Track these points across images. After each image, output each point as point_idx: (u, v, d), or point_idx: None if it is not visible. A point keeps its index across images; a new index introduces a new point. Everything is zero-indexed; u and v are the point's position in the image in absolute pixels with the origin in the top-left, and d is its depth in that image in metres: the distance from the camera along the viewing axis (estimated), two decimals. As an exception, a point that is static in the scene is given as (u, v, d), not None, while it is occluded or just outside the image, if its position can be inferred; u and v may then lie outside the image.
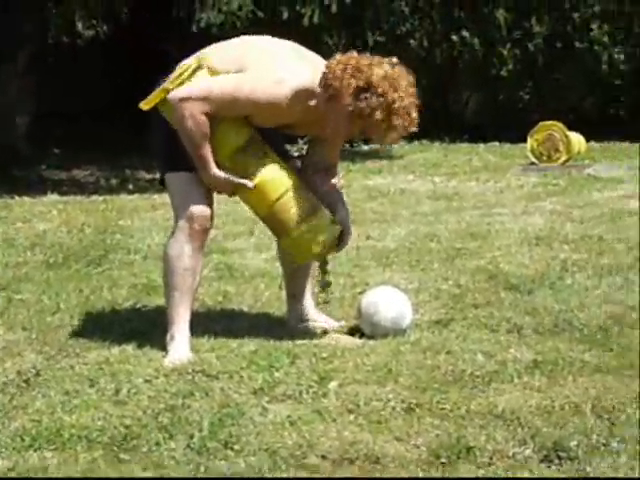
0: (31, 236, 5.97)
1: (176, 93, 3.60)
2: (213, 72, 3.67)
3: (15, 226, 6.35)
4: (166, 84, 3.68)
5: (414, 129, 3.67)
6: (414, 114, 3.62)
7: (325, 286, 3.92)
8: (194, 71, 3.66)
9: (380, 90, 3.56)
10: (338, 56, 3.68)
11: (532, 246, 5.42)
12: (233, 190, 3.73)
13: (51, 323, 4.17)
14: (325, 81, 3.62)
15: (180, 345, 3.71)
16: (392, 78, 3.58)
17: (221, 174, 3.67)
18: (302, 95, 3.64)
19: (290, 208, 3.71)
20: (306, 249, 3.76)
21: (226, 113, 3.63)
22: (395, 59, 3.67)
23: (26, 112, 9.77)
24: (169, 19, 10.36)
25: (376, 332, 3.88)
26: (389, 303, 3.93)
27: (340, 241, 3.83)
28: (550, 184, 7.82)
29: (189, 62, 3.73)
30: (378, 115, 3.58)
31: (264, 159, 3.71)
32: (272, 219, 3.76)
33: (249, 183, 3.68)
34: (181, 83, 3.64)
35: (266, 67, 3.64)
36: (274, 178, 3.70)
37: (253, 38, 3.87)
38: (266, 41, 3.83)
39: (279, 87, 3.61)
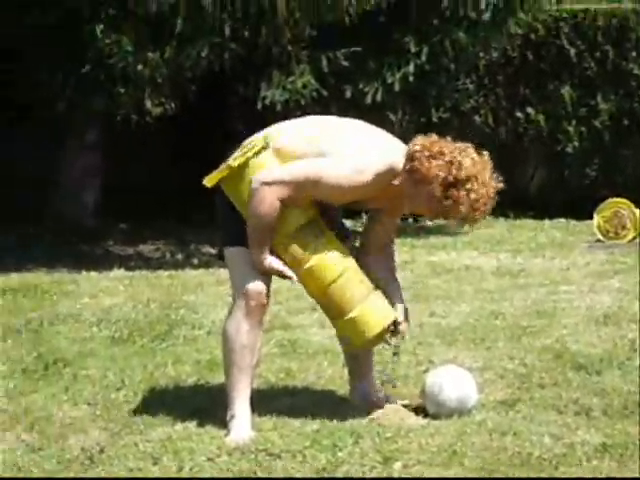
0: (97, 311, 6.02)
1: (259, 177, 3.63)
2: (281, 152, 3.69)
3: (82, 301, 6.41)
4: (229, 161, 3.71)
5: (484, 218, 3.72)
6: (490, 205, 3.68)
7: (395, 354, 3.88)
8: (260, 150, 3.69)
9: (468, 186, 3.60)
10: (420, 139, 3.69)
11: (600, 325, 5.34)
12: (282, 274, 3.73)
13: (115, 399, 4.18)
14: (411, 166, 3.64)
15: (242, 423, 3.69)
16: (478, 171, 3.62)
17: (270, 263, 3.68)
18: (383, 179, 3.67)
19: (345, 291, 3.70)
20: (360, 332, 3.73)
21: (303, 198, 3.66)
22: (474, 148, 3.70)
23: (93, 187, 9.94)
24: (235, 97, 10.52)
25: (441, 412, 3.83)
26: (454, 382, 3.88)
27: (396, 329, 3.80)
28: (617, 262, 7.72)
29: (254, 140, 3.76)
30: (462, 209, 3.62)
31: (321, 239, 3.71)
32: (326, 302, 3.76)
33: (293, 276, 3.71)
34: (245, 161, 3.67)
35: (347, 152, 3.66)
36: (330, 260, 3.70)
37: (324, 118, 3.91)
38: (338, 122, 3.86)
39: (362, 175, 3.64)
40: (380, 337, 3.78)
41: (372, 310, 3.72)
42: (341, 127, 3.82)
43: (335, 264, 3.71)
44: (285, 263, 3.71)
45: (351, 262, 3.75)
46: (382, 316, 3.74)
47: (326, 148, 3.67)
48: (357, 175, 3.63)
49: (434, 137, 3.71)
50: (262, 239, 3.66)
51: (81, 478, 2.93)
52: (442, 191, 3.60)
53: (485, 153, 3.71)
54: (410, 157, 3.65)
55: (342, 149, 3.67)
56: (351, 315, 3.71)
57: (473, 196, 3.60)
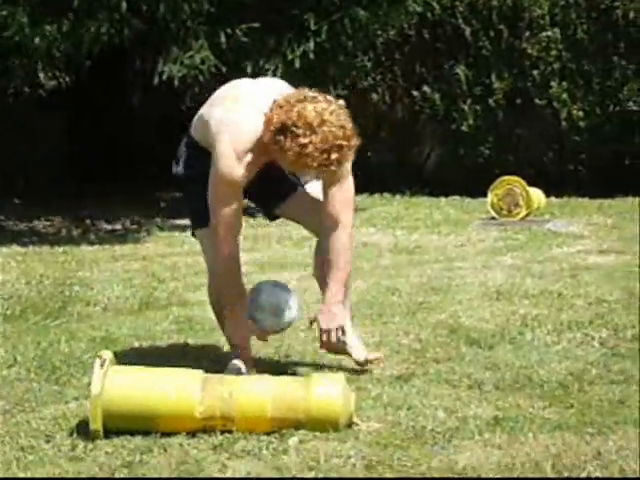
0: (-12, 287, 5.91)
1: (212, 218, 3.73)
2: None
3: (-28, 277, 6.29)
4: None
5: (333, 169, 3.65)
6: (334, 155, 3.59)
7: None
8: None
9: (299, 132, 3.56)
10: (290, 91, 3.77)
11: (493, 300, 5.44)
12: None
13: (7, 377, 4.11)
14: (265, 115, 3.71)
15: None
16: (314, 119, 3.57)
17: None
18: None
19: (282, 403, 3.43)
20: (333, 414, 3.44)
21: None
22: (340, 101, 3.71)
23: (-15, 164, 9.73)
24: (132, 71, 10.39)
25: (260, 318, 4.00)
26: (272, 291, 4.05)
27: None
28: (510, 239, 7.86)
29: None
30: (290, 155, 3.60)
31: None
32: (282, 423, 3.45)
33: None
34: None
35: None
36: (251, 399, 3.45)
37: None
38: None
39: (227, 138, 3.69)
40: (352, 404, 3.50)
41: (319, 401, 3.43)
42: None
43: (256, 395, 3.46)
44: None
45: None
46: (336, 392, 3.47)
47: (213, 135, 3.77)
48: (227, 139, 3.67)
49: (303, 90, 3.72)
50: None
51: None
52: (271, 137, 3.61)
53: (340, 103, 3.68)
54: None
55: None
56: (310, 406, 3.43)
57: (301, 141, 3.55)
